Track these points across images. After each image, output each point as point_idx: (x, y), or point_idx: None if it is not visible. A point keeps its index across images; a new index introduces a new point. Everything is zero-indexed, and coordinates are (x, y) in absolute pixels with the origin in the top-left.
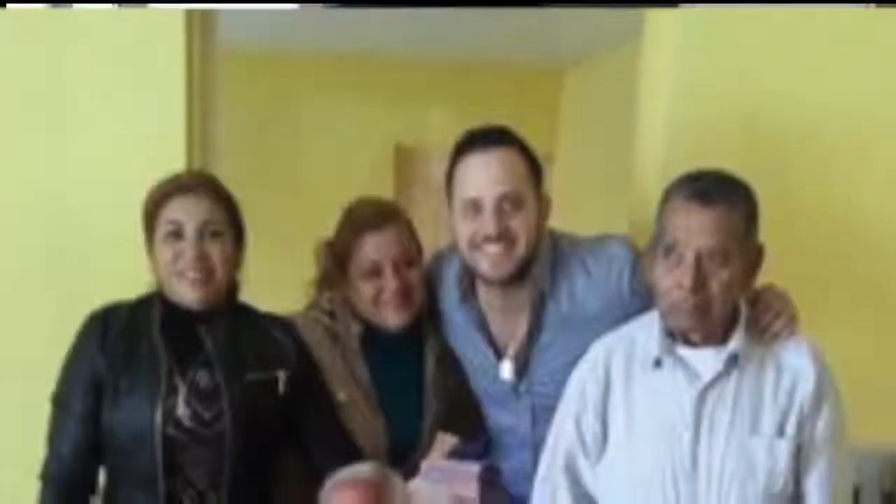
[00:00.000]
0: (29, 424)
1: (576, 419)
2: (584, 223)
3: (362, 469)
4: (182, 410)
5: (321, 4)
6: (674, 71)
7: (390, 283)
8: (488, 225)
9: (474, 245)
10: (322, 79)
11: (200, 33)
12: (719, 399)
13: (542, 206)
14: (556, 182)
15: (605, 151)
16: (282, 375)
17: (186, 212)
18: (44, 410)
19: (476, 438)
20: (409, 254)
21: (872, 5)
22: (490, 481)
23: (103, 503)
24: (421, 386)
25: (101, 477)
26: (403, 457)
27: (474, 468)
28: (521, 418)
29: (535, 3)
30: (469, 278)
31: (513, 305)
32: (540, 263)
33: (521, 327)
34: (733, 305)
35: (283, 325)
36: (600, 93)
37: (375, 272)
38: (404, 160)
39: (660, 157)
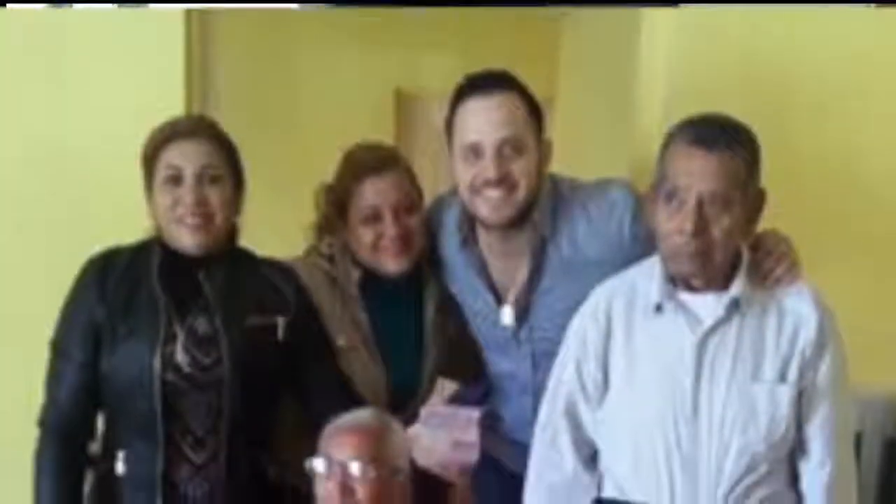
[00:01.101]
0: (28, 370)
1: (576, 365)
2: (584, 167)
3: (362, 415)
4: (181, 356)
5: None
6: (674, 15)
7: (390, 228)
8: (489, 169)
9: (474, 190)
10: (321, 24)
11: None
12: (720, 344)
13: (543, 150)
14: (557, 126)
15: (605, 95)
16: (281, 321)
17: (185, 157)
18: (42, 356)
19: (476, 384)
20: (410, 199)
21: (873, 5)
22: (490, 427)
23: (101, 449)
24: (421, 332)
25: (100, 423)
26: (403, 403)
27: (474, 414)
28: (521, 364)
29: (536, 2)
30: (469, 223)
31: (513, 250)
32: (540, 208)
33: (522, 272)
34: (735, 251)
35: (282, 270)
36: (601, 36)
37: (375, 217)
38: (404, 106)
39: (660, 102)
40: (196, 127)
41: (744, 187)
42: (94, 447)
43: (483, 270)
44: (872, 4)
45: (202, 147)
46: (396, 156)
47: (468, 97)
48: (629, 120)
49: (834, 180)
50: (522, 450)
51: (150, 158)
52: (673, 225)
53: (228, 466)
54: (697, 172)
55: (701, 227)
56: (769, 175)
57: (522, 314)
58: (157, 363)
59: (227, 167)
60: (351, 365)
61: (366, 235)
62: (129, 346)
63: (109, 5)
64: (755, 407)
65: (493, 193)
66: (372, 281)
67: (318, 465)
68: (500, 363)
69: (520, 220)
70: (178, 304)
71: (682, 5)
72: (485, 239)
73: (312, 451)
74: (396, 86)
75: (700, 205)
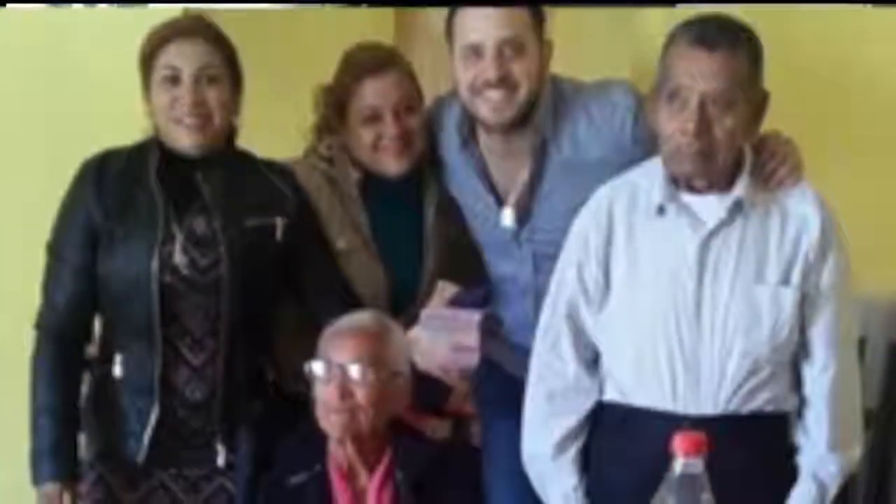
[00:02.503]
0: (26, 272)
1: (578, 267)
2: (585, 69)
3: (361, 317)
4: (179, 258)
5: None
6: None
7: (390, 128)
8: (489, 70)
9: (475, 90)
10: None
11: None
12: (723, 246)
13: (544, 51)
14: (558, 27)
15: None
16: (279, 222)
17: (184, 57)
18: (40, 258)
19: (476, 287)
20: (410, 99)
21: (870, 6)
22: (491, 330)
23: (99, 352)
24: (421, 234)
25: (97, 326)
26: (403, 305)
27: (475, 316)
28: (522, 266)
29: (536, 2)
30: (469, 124)
31: (514, 152)
32: (541, 109)
33: (523, 174)
34: (737, 152)
35: (281, 171)
36: None
37: (375, 118)
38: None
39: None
40: (195, 27)
41: (746, 88)
42: (92, 350)
43: (483, 172)
44: (870, 5)
45: (201, 47)
46: (396, 56)
47: None
48: (631, 21)
49: (836, 82)
50: (523, 353)
51: (148, 58)
52: (675, 126)
53: (227, 369)
54: (700, 72)
55: (703, 128)
56: (771, 77)
57: (523, 216)
58: (154, 265)
59: (226, 68)
60: (350, 267)
61: (365, 136)
62: (127, 248)
63: (110, 5)
64: (758, 309)
65: (494, 94)
66: (372, 182)
67: (317, 367)
68: (500, 265)
69: (520, 121)
70: (176, 205)
71: None
72: (485, 140)
73: (312, 354)
74: None
75: (702, 105)
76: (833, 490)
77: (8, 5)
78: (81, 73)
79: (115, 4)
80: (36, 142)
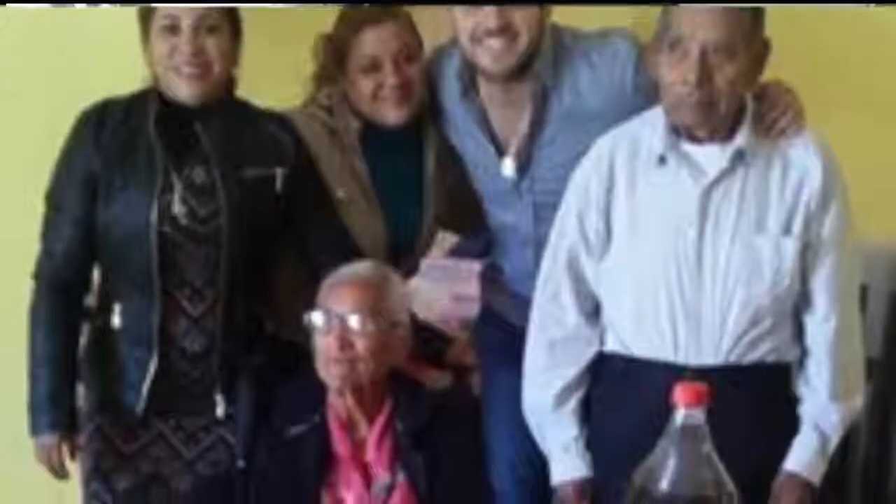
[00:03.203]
0: (25, 222)
1: (578, 216)
2: (586, 18)
3: (361, 267)
4: (178, 208)
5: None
6: None
7: (390, 78)
8: (490, 18)
9: (475, 39)
10: None
11: None
12: (725, 196)
13: None
14: None
15: None
16: (279, 172)
17: (183, 6)
18: (39, 208)
19: (477, 237)
20: (409, 48)
21: (872, 5)
22: (491, 280)
23: (97, 302)
24: (421, 183)
25: (96, 276)
26: (403, 255)
27: (475, 266)
28: (522, 216)
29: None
30: (470, 74)
31: (514, 101)
32: (542, 58)
33: (523, 123)
34: (739, 101)
35: (280, 121)
36: None
37: (375, 67)
38: None
39: None
40: None
41: (748, 37)
42: (90, 300)
43: (483, 121)
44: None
45: None
46: (395, 6)
47: None
48: None
49: (838, 31)
50: (524, 303)
51: (148, 7)
52: (676, 75)
53: (226, 320)
54: (701, 21)
55: (704, 78)
56: (773, 26)
57: (523, 165)
58: (153, 215)
59: (225, 17)
60: (350, 217)
61: (365, 85)
62: (126, 198)
63: (110, 5)
64: (759, 259)
65: (494, 43)
66: (371, 132)
67: (316, 318)
68: (500, 215)
69: (521, 70)
70: (176, 154)
71: None
72: (485, 90)
73: (311, 305)
74: None
75: (704, 54)
76: (835, 440)
77: (8, 5)
78: (81, 30)
79: (116, 4)
80: (35, 92)
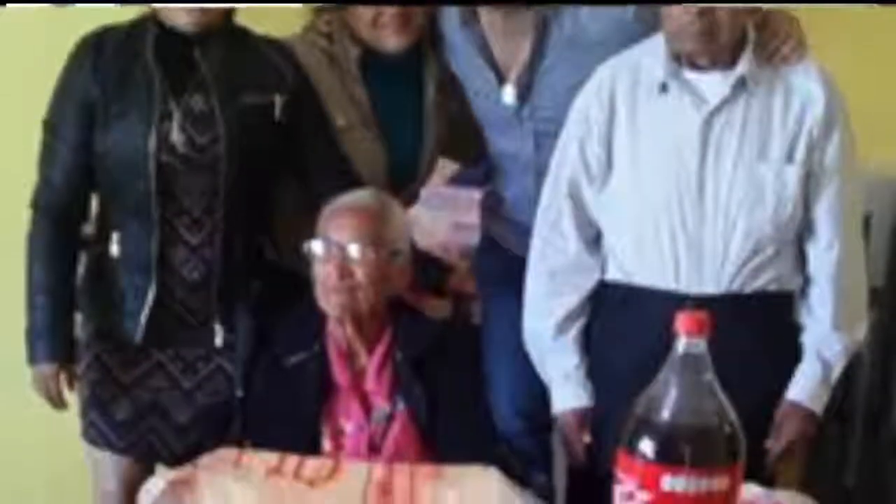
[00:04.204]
0: (23, 151)
1: (579, 144)
2: None
3: (361, 195)
4: (176, 136)
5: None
6: None
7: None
8: None
9: None
10: None
11: None
12: (727, 124)
13: None
14: None
15: None
16: (278, 100)
17: None
18: (37, 136)
19: (477, 165)
20: None
21: (875, 6)
22: (491, 208)
23: (95, 231)
24: (421, 111)
25: (94, 204)
26: (403, 183)
27: (475, 194)
28: (523, 143)
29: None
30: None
31: (515, 29)
32: None
33: (524, 51)
34: (741, 30)
35: (279, 48)
36: None
37: None
38: None
39: None
40: None
41: None
42: (88, 229)
43: (484, 48)
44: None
45: None
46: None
47: None
48: None
49: None
50: (524, 231)
51: None
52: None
53: (225, 248)
54: None
55: (705, 6)
56: None
57: (524, 93)
58: (151, 143)
59: None
60: (350, 145)
61: (365, 11)
62: (124, 126)
63: (110, 5)
64: (762, 187)
65: None
66: (371, 59)
67: (316, 247)
68: (501, 143)
69: None
70: (174, 82)
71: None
72: (486, 17)
73: (311, 233)
74: None
75: None
76: (837, 369)
77: (8, 5)
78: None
79: (116, 4)
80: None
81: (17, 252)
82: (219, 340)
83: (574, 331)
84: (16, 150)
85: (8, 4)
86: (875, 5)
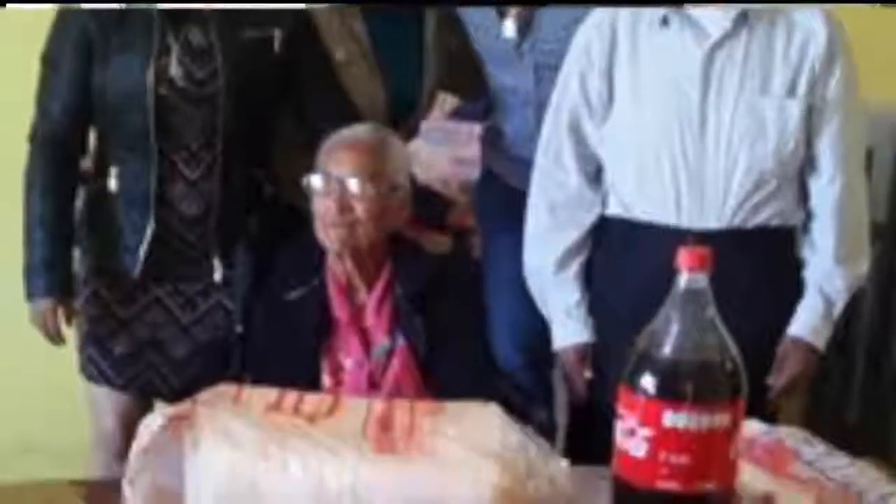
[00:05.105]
0: (22, 84)
1: (580, 78)
2: None
3: (360, 130)
4: (175, 70)
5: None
6: None
7: None
8: None
9: None
10: None
11: None
12: (728, 58)
13: None
14: None
15: None
16: (278, 34)
17: None
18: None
19: (477, 99)
20: None
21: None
22: (492, 142)
23: (93, 165)
24: (421, 45)
25: (92, 139)
26: (403, 118)
27: (476, 129)
28: (523, 77)
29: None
30: None
31: None
32: None
33: None
34: None
35: None
36: None
37: None
38: None
39: None
40: None
41: None
42: (87, 164)
43: None
44: (877, 5)
45: None
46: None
47: None
48: None
49: None
50: (525, 165)
51: None
52: None
53: (223, 183)
54: None
55: None
56: None
57: (525, 27)
58: (150, 77)
59: None
60: (349, 79)
61: None
62: (122, 59)
63: (111, 5)
64: (763, 122)
65: None
66: None
67: (315, 181)
68: (501, 77)
69: None
70: (172, 15)
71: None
72: None
73: (310, 168)
74: None
75: None
76: (840, 305)
77: (8, 5)
78: None
79: (117, 5)
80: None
81: (14, 189)
82: (218, 276)
83: (575, 266)
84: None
85: (8, 5)
86: (877, 5)
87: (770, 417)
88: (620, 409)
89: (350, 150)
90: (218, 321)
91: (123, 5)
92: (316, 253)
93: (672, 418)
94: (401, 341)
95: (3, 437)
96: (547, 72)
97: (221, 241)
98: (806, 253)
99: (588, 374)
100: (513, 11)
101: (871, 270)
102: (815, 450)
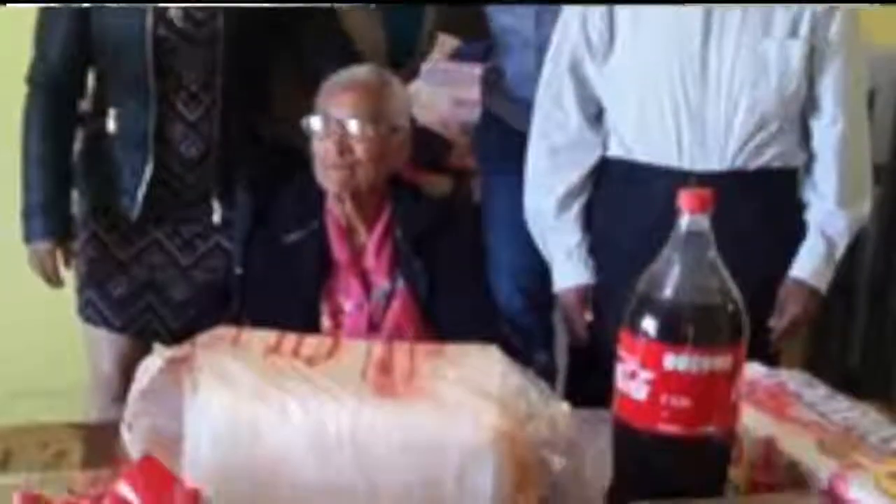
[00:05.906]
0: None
1: (581, 19)
2: None
3: (360, 71)
4: (174, 11)
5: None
6: None
7: None
8: None
9: None
10: None
11: None
12: None
13: None
14: None
15: None
16: None
17: None
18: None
19: (477, 40)
20: None
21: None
22: (492, 83)
23: (92, 107)
24: None
25: (90, 81)
26: (402, 59)
27: (476, 70)
28: (523, 18)
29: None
30: None
31: None
32: None
33: None
34: None
35: None
36: None
37: None
38: None
39: None
40: None
41: None
42: (85, 106)
43: None
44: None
45: None
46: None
47: None
48: None
49: None
50: (525, 106)
51: None
52: None
53: (223, 124)
54: None
55: None
56: None
57: None
58: (149, 17)
59: None
60: (349, 21)
61: None
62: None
63: (111, 5)
64: (765, 63)
65: None
66: None
67: (315, 123)
68: (502, 18)
69: None
70: None
71: None
72: None
73: (310, 110)
74: None
75: None
76: (841, 247)
77: (8, 5)
78: None
79: (118, 4)
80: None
81: (13, 131)
82: (217, 217)
83: (576, 208)
84: None
85: (8, 5)
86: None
87: (772, 360)
88: (621, 352)
89: (350, 91)
90: (217, 263)
91: None
92: (315, 195)
93: (673, 360)
94: (401, 283)
95: (2, 380)
96: (547, 12)
97: (220, 183)
98: (808, 194)
99: (588, 316)
100: None
101: (873, 213)
102: (816, 392)
